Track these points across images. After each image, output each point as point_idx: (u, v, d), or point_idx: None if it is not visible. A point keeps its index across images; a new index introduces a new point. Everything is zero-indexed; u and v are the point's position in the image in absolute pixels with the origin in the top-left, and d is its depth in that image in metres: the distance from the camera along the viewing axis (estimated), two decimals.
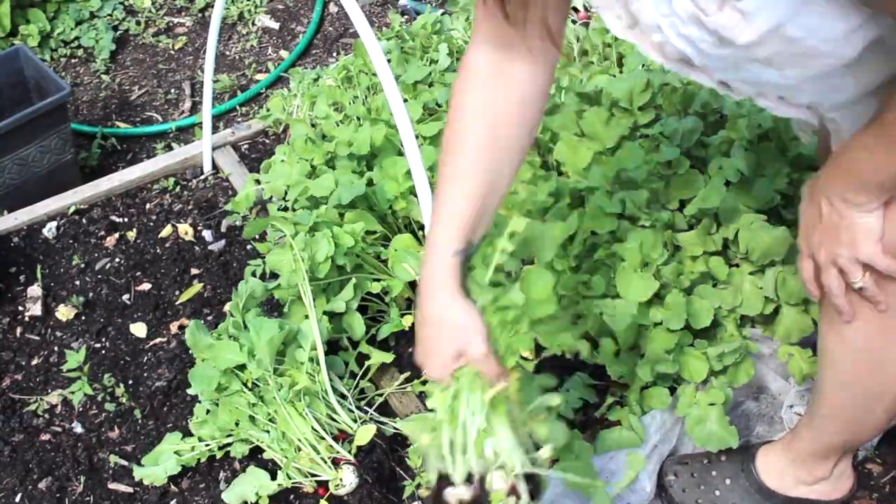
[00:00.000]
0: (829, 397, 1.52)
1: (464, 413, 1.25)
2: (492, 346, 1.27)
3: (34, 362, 2.11)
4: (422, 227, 2.18)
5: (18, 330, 2.18)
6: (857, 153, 1.20)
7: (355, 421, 1.83)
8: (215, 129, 2.64)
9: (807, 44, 1.06)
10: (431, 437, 1.27)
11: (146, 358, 2.09)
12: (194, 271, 2.30)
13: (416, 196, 1.93)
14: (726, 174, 1.90)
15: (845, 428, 1.56)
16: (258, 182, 2.36)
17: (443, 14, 2.99)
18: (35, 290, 2.25)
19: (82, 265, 2.31)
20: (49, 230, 2.39)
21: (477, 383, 1.26)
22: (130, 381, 2.04)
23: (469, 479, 1.26)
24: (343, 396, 1.87)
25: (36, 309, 2.20)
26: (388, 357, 1.95)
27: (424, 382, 1.94)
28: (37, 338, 2.16)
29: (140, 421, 1.97)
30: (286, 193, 2.23)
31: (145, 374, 2.05)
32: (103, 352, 2.12)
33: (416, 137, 1.80)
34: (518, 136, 1.32)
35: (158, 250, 2.36)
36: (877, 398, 1.46)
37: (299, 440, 1.77)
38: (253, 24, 3.27)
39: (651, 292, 1.78)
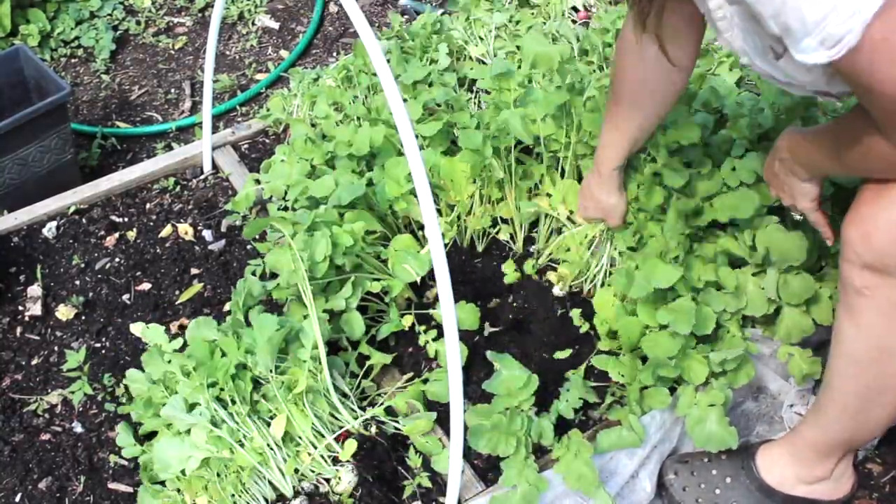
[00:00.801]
0: (839, 387, 1.53)
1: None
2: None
3: (34, 362, 2.11)
4: (421, 227, 2.18)
5: (18, 330, 2.18)
6: (808, 147, 1.51)
7: (357, 419, 1.83)
8: (215, 129, 2.64)
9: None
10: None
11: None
12: (194, 271, 2.30)
13: (416, 197, 1.93)
14: (741, 176, 1.90)
15: (850, 423, 1.57)
16: (258, 182, 2.36)
17: (443, 14, 2.99)
18: (35, 290, 2.25)
19: (82, 265, 2.31)
20: (49, 230, 2.39)
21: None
22: None
23: None
24: (345, 395, 1.87)
25: (36, 309, 2.20)
26: (388, 358, 1.95)
27: (426, 381, 1.95)
28: (37, 338, 2.16)
29: None
30: (286, 193, 2.23)
31: None
32: (103, 352, 2.12)
33: (416, 137, 1.80)
34: (664, 93, 1.77)
35: (158, 250, 2.36)
36: (885, 390, 1.47)
37: (300, 438, 1.78)
38: (253, 23, 3.27)
39: (675, 279, 1.84)
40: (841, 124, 1.38)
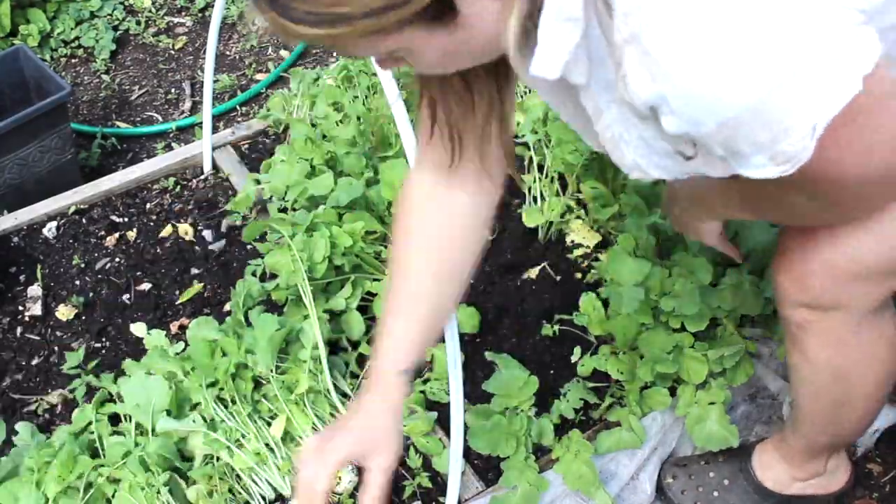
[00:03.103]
0: (804, 407, 1.55)
1: None
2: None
3: (34, 362, 2.11)
4: None
5: (18, 330, 2.18)
6: (715, 195, 1.40)
7: None
8: (215, 129, 2.64)
9: None
10: None
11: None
12: (194, 271, 2.30)
13: None
14: None
15: (826, 430, 1.58)
16: (258, 182, 2.36)
17: None
18: (35, 290, 2.25)
19: (82, 265, 2.31)
20: (49, 230, 2.39)
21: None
22: None
23: None
24: (345, 396, 1.87)
25: (36, 309, 2.20)
26: None
27: (426, 381, 1.94)
28: (37, 338, 2.16)
29: None
30: (286, 193, 2.23)
31: None
32: (103, 352, 2.12)
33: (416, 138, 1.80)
34: (462, 259, 1.36)
35: (158, 250, 2.36)
36: (846, 405, 1.48)
37: (300, 438, 1.78)
38: (253, 23, 3.26)
39: (643, 274, 1.81)
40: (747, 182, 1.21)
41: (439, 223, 1.34)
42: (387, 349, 1.33)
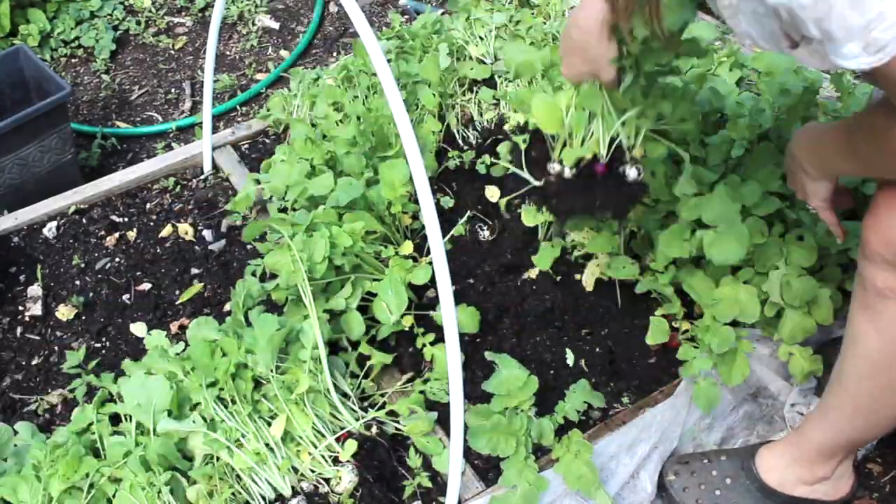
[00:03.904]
0: (852, 388, 1.52)
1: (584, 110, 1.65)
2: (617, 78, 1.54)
3: (34, 362, 2.11)
4: (422, 228, 2.19)
5: (18, 330, 2.18)
6: (824, 142, 1.44)
7: (358, 419, 1.83)
8: (215, 129, 2.64)
9: None
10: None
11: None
12: (194, 271, 2.30)
13: (413, 200, 1.93)
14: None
15: (861, 423, 1.56)
16: (258, 182, 2.36)
17: (443, 14, 2.99)
18: (35, 290, 2.25)
19: (82, 265, 2.31)
20: (49, 230, 2.39)
21: (597, 95, 1.63)
22: None
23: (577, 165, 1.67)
24: (346, 395, 1.88)
25: (36, 309, 2.20)
26: (388, 358, 1.95)
27: (426, 381, 1.94)
28: (37, 338, 2.16)
29: None
30: (286, 193, 2.23)
31: None
32: (103, 352, 2.12)
33: (416, 138, 1.80)
34: None
35: (158, 250, 2.36)
36: (889, 395, 1.47)
37: (300, 438, 1.78)
38: (253, 23, 3.27)
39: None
40: (857, 122, 1.33)
41: None
42: None
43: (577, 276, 2.16)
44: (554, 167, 1.70)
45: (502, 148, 2.33)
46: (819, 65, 1.18)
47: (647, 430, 1.83)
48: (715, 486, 1.75)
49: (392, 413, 1.89)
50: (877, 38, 1.04)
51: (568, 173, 1.68)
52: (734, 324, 1.89)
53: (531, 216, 2.22)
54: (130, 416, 1.82)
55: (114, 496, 1.71)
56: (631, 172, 1.68)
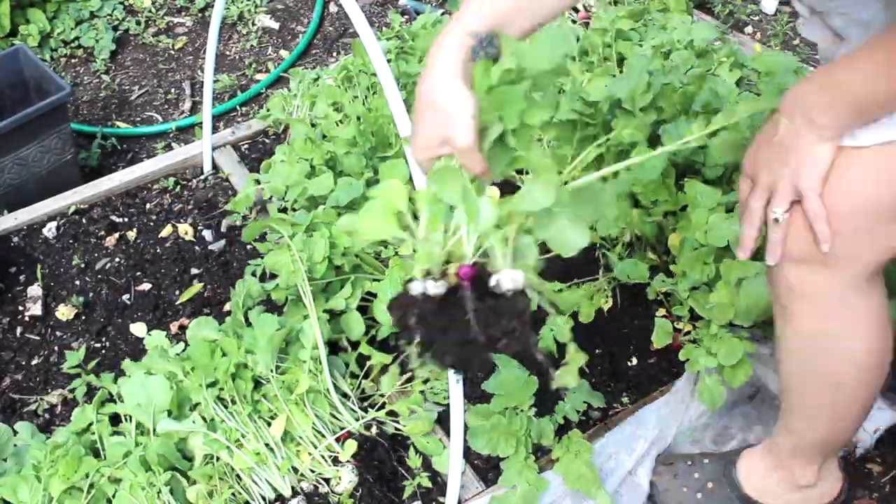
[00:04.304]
0: (795, 390, 1.50)
1: (439, 200, 1.21)
2: (478, 143, 1.20)
3: (34, 362, 2.11)
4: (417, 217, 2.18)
5: (18, 330, 2.18)
6: (841, 69, 1.18)
7: (358, 420, 1.83)
8: (215, 129, 2.64)
9: None
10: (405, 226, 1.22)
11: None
12: (194, 271, 2.30)
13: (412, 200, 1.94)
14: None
15: (818, 424, 1.53)
16: (258, 182, 2.36)
17: (443, 14, 2.99)
18: (35, 290, 2.25)
19: (82, 265, 2.31)
20: (49, 230, 2.39)
21: (455, 175, 1.21)
22: None
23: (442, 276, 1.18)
24: (346, 396, 1.88)
25: (36, 309, 2.20)
26: (388, 358, 1.96)
27: (426, 381, 1.95)
28: (37, 338, 2.16)
29: None
30: (286, 193, 2.23)
31: None
32: (103, 352, 2.12)
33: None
34: None
35: (158, 250, 2.36)
36: (835, 388, 1.43)
37: (300, 438, 1.78)
38: (253, 23, 3.27)
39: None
40: (879, 38, 1.13)
41: None
42: (465, 6, 1.22)
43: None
44: (413, 286, 1.17)
45: None
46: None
47: (643, 427, 1.82)
48: (696, 489, 1.72)
49: (392, 413, 1.89)
50: None
51: (432, 289, 1.16)
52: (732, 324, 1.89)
53: None
54: (130, 417, 1.82)
55: (114, 496, 1.71)
56: (505, 280, 1.21)
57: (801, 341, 1.40)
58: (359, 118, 2.40)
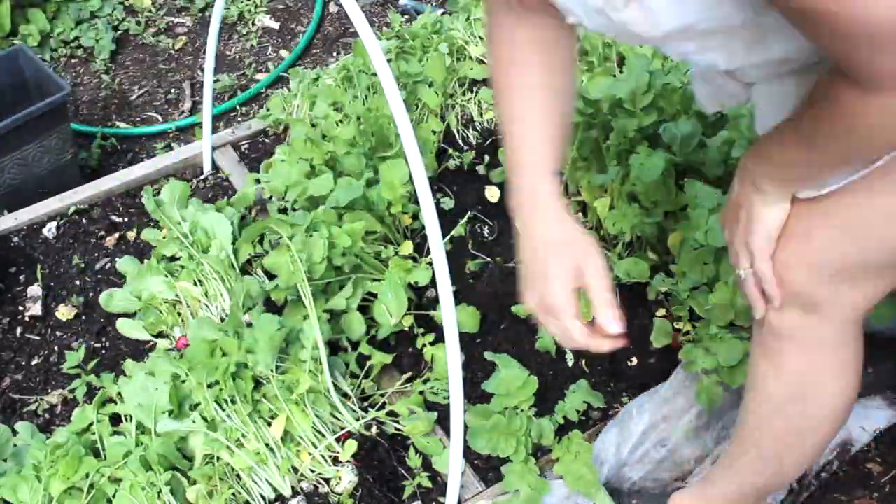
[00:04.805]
0: (755, 432, 1.46)
1: None
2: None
3: (34, 362, 2.11)
4: (422, 228, 2.19)
5: (18, 330, 2.18)
6: (773, 141, 1.18)
7: (358, 420, 1.83)
8: (215, 129, 2.64)
9: (715, 28, 1.06)
10: None
11: (146, 359, 2.08)
12: None
13: (413, 200, 1.93)
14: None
15: (768, 466, 1.49)
16: (258, 182, 2.36)
17: (443, 14, 2.99)
18: (35, 290, 2.25)
19: (82, 265, 2.31)
20: (49, 230, 2.39)
21: None
22: None
23: None
24: (346, 395, 1.88)
25: (36, 309, 2.20)
26: (388, 358, 1.96)
27: (426, 381, 1.95)
28: (37, 338, 2.16)
29: None
30: (286, 193, 2.23)
31: None
32: (103, 352, 2.12)
33: (416, 138, 1.80)
34: (567, 57, 1.32)
35: None
36: (804, 433, 1.41)
37: (300, 438, 1.78)
38: (253, 23, 3.27)
39: None
40: (800, 107, 1.11)
41: (534, 30, 1.27)
42: (527, 151, 1.26)
43: None
44: None
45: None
46: (654, 31, 1.04)
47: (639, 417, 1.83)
48: None
49: (392, 413, 1.90)
50: None
51: None
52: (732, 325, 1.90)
53: None
54: (131, 417, 1.82)
55: (114, 496, 1.71)
56: None
57: (781, 385, 1.37)
58: (359, 118, 2.40)
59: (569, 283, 1.22)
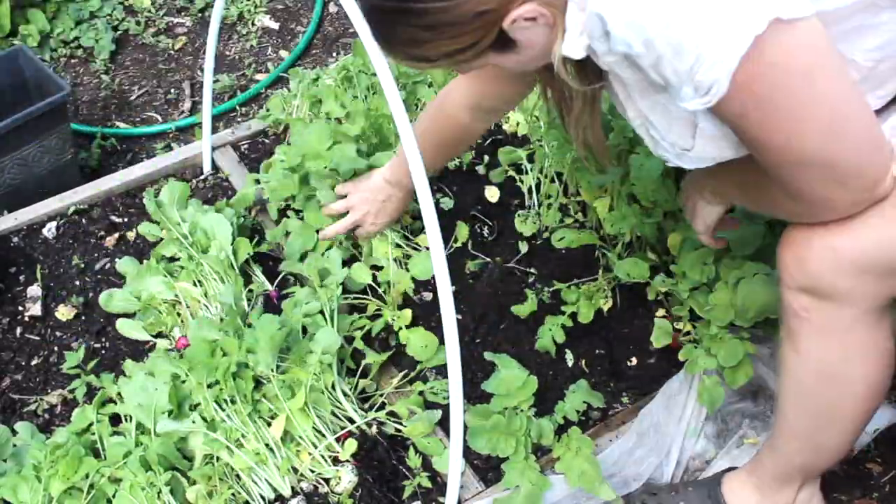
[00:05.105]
0: (789, 413, 1.52)
1: None
2: None
3: (34, 362, 2.11)
4: (422, 229, 2.19)
5: (18, 330, 2.18)
6: (730, 175, 1.46)
7: (358, 419, 1.83)
8: (215, 129, 2.64)
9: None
10: None
11: (146, 359, 2.08)
12: None
13: (413, 200, 1.93)
14: None
15: (806, 446, 1.55)
16: (258, 182, 2.36)
17: None
18: (35, 290, 2.25)
19: (82, 265, 2.31)
20: (49, 230, 2.39)
21: None
22: None
23: None
24: (345, 395, 1.87)
25: (36, 309, 2.20)
26: (384, 357, 1.96)
27: (426, 381, 1.95)
28: (37, 338, 2.16)
29: None
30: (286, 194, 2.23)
31: None
32: (103, 352, 2.12)
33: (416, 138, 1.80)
34: (462, 148, 2.15)
35: None
36: (834, 414, 1.46)
37: (301, 438, 1.78)
38: (253, 24, 3.27)
39: None
40: (750, 164, 1.32)
41: (455, 133, 1.96)
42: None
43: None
44: None
45: (502, 153, 2.35)
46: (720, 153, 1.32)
47: (645, 437, 1.82)
48: None
49: (392, 413, 1.89)
50: (700, 80, 1.12)
51: None
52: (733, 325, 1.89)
53: (525, 225, 2.23)
54: (131, 417, 1.82)
55: (114, 496, 1.71)
56: None
57: (804, 366, 1.42)
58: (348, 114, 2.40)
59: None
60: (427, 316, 2.08)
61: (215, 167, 2.56)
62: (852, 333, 1.34)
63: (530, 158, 2.32)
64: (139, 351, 2.10)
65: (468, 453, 1.82)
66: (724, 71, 1.10)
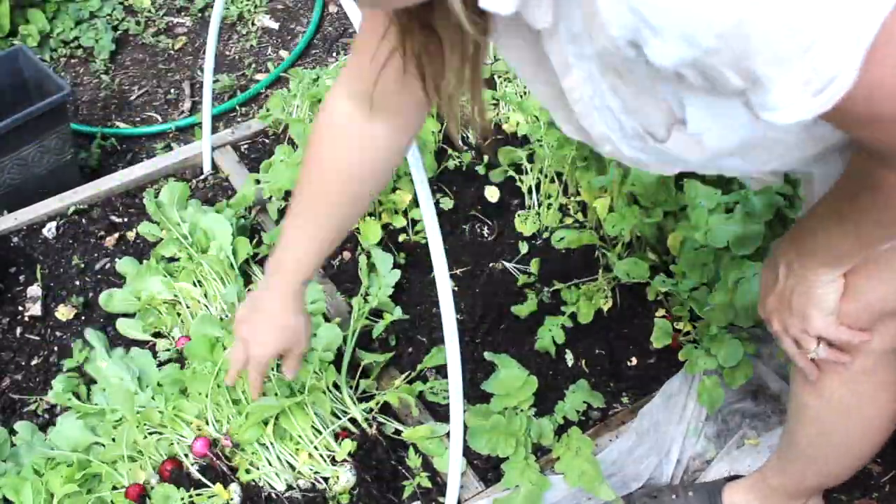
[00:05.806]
0: (804, 449, 1.50)
1: None
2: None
3: (34, 362, 2.11)
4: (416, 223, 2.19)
5: (18, 330, 2.18)
6: (814, 231, 1.18)
7: (357, 419, 1.83)
8: (215, 129, 2.64)
9: (760, 140, 1.06)
10: None
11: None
12: None
13: (413, 200, 1.94)
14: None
15: (820, 472, 1.54)
16: (258, 182, 2.36)
17: None
18: (35, 290, 2.24)
19: (82, 265, 2.31)
20: (49, 230, 2.39)
21: None
22: None
23: None
24: (343, 391, 1.87)
25: (36, 309, 2.20)
26: (384, 357, 1.96)
27: (426, 381, 1.95)
28: (37, 338, 2.16)
29: None
30: (286, 193, 2.23)
31: None
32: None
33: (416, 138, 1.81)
34: (372, 188, 1.42)
35: None
36: (851, 446, 1.45)
37: (300, 437, 1.78)
38: (253, 24, 3.27)
39: None
40: (838, 189, 1.11)
41: (350, 157, 1.35)
42: (289, 263, 1.48)
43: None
44: None
45: (502, 153, 2.35)
46: (699, 155, 1.05)
47: (645, 436, 1.82)
48: None
49: (390, 410, 1.89)
50: (819, 67, 0.77)
51: None
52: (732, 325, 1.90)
53: (525, 225, 2.23)
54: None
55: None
56: None
57: (825, 407, 1.39)
58: None
59: (270, 354, 1.60)
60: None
61: (215, 167, 2.56)
62: (874, 375, 1.32)
63: (530, 158, 2.32)
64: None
65: (468, 453, 1.82)
66: (858, 51, 0.78)
